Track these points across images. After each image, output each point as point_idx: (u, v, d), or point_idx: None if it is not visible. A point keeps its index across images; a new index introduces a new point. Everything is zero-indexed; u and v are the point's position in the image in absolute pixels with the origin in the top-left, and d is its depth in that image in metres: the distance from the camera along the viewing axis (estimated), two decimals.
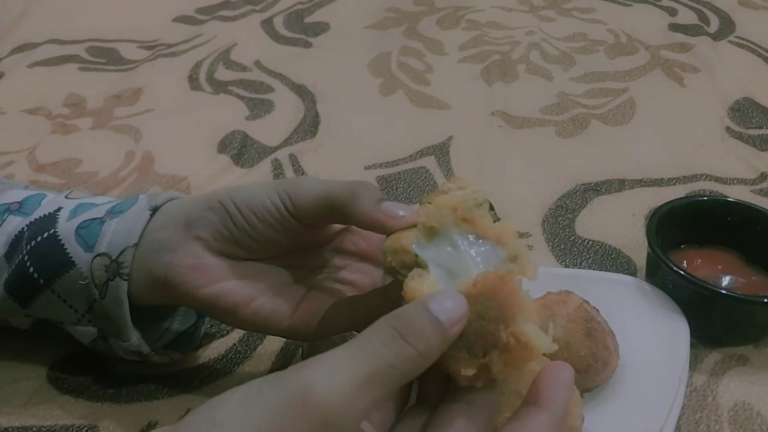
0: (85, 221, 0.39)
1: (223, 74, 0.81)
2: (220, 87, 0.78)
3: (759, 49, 0.83)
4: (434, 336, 0.26)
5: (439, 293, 0.27)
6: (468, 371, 0.27)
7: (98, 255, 0.37)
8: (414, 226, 0.31)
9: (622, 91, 0.75)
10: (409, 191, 0.61)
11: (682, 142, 0.67)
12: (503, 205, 0.57)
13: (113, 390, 0.43)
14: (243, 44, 0.88)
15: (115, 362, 0.44)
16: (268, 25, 0.94)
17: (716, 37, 0.86)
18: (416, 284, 0.28)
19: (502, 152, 0.66)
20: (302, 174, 0.63)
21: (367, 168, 0.64)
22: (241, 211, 0.35)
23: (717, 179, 0.61)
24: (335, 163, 0.65)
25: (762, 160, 0.64)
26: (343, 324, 0.37)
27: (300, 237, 0.36)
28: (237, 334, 0.47)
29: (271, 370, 0.44)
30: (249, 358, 0.45)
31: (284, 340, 0.46)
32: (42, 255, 0.38)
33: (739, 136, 0.67)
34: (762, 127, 0.68)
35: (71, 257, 0.38)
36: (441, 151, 0.66)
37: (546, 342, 0.27)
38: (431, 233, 0.31)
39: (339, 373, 0.24)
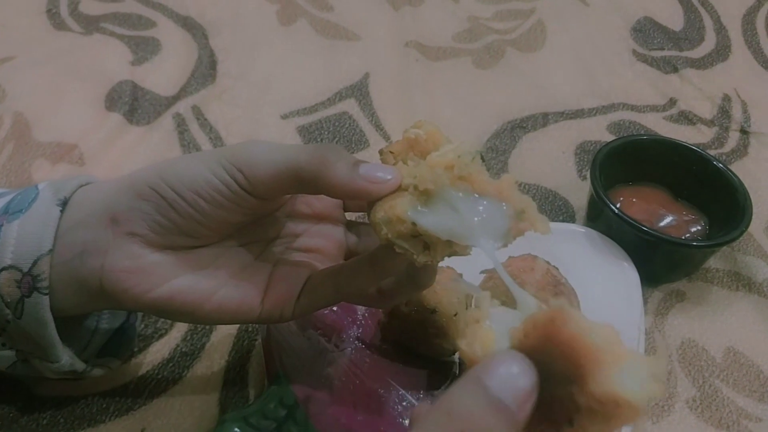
0: None
1: (89, 6, 0.69)
2: (90, 24, 0.67)
3: None
4: (503, 425, 0.21)
5: (493, 363, 0.22)
6: None
7: (3, 269, 0.30)
8: (398, 191, 0.28)
9: (530, 12, 0.74)
10: (336, 142, 0.57)
11: (595, 68, 0.67)
12: None
13: (47, 419, 0.37)
14: None
15: (41, 383, 0.38)
16: None
17: None
18: (470, 348, 0.23)
19: (424, 90, 0.62)
20: (210, 130, 0.57)
21: (284, 117, 0.59)
22: (183, 196, 0.29)
23: (632, 107, 0.62)
24: (247, 113, 0.59)
25: (668, 84, 0.66)
26: (328, 299, 0.33)
27: (255, 211, 0.31)
28: (177, 332, 0.42)
29: (227, 371, 0.41)
30: (198, 358, 0.41)
31: (233, 331, 0.43)
32: None
33: (645, 59, 0.68)
34: (663, 48, 0.70)
35: None
36: (360, 92, 0.61)
37: (643, 392, 0.20)
38: (426, 196, 0.27)
39: None
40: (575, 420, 0.21)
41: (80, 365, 0.34)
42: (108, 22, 0.67)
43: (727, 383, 0.42)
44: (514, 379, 0.21)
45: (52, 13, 0.68)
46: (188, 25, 0.68)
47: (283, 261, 0.34)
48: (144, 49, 0.64)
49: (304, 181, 0.29)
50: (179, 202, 0.29)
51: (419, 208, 0.27)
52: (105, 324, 0.36)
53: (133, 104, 0.58)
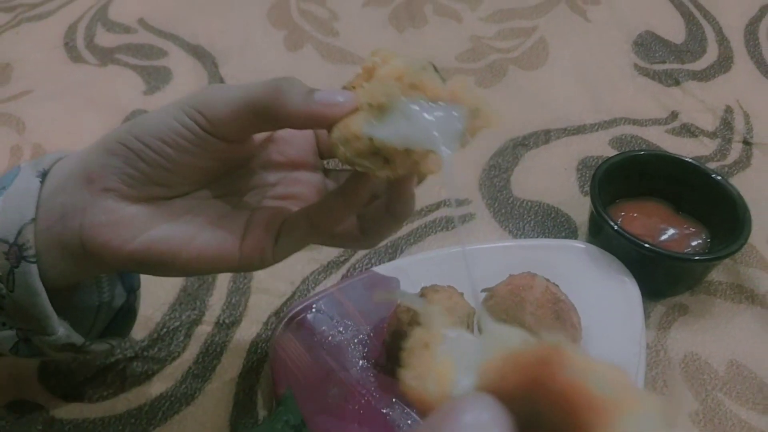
0: None
1: (104, 38, 0.72)
2: (105, 56, 0.69)
3: None
4: None
5: (456, 410, 0.17)
6: None
7: None
8: (356, 110, 0.28)
9: (532, 30, 0.75)
10: (342, 164, 0.58)
11: (597, 83, 0.68)
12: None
13: None
14: None
15: (53, 404, 0.40)
16: None
17: None
18: (419, 383, 0.20)
19: None
20: None
21: None
22: (149, 145, 0.30)
23: (634, 122, 0.63)
24: None
25: (670, 97, 0.66)
26: (303, 238, 0.33)
27: (222, 156, 0.31)
28: (190, 355, 0.44)
29: (236, 392, 0.42)
30: (209, 380, 0.43)
31: (243, 353, 0.44)
32: None
33: (647, 73, 0.69)
34: (665, 62, 0.71)
35: None
36: None
37: None
38: (380, 110, 0.27)
39: None
40: None
41: (78, 339, 0.34)
42: (122, 53, 0.69)
43: (730, 396, 0.42)
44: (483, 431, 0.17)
45: (69, 46, 0.70)
46: (198, 53, 0.70)
47: (259, 209, 0.34)
48: (156, 78, 0.67)
49: (261, 114, 0.29)
50: (146, 152, 0.30)
51: (374, 123, 0.27)
52: (106, 305, 0.37)
53: None
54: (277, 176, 0.35)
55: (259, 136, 0.34)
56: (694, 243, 0.49)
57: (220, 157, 0.31)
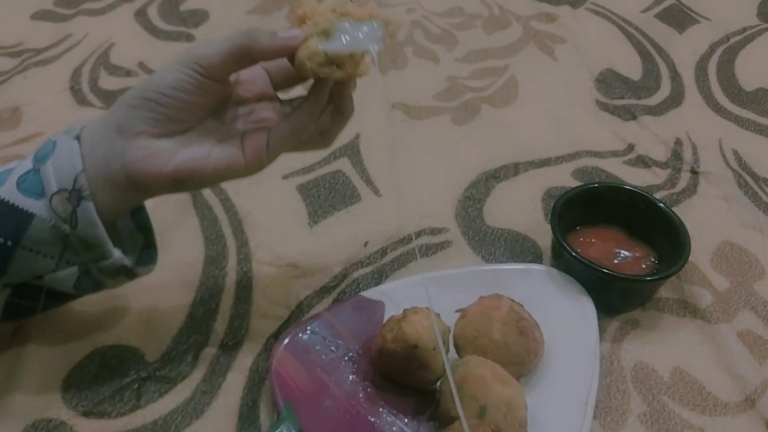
0: (19, 177, 0.41)
1: (107, 82, 0.78)
2: (109, 99, 0.75)
3: (612, 15, 0.92)
4: None
5: None
6: None
7: (54, 194, 0.40)
8: (307, 39, 0.41)
9: (504, 69, 0.82)
10: (332, 197, 0.64)
11: (562, 118, 0.74)
12: (420, 202, 0.63)
13: None
14: (121, 43, 0.84)
15: (76, 421, 0.45)
16: (142, 17, 0.90)
17: (574, 4, 0.94)
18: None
19: (409, 147, 0.70)
20: (221, 192, 0.64)
21: (285, 177, 0.66)
22: (164, 93, 0.40)
23: (595, 154, 0.70)
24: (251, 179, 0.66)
25: (627, 130, 0.73)
26: (288, 138, 0.44)
27: (215, 93, 0.42)
28: (198, 374, 0.49)
29: (241, 407, 0.47)
30: (216, 396, 0.48)
31: (246, 371, 0.49)
32: None
33: (607, 108, 0.76)
34: (623, 97, 0.78)
35: (27, 210, 0.40)
36: (352, 152, 0.69)
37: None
38: (326, 34, 0.41)
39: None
40: None
41: (128, 261, 0.43)
42: None
43: (674, 399, 0.48)
44: None
45: (75, 90, 0.76)
46: None
47: (246, 131, 0.45)
48: None
49: (243, 55, 0.41)
50: (163, 98, 0.40)
51: (325, 42, 0.41)
52: (134, 223, 0.47)
53: None
54: (249, 108, 0.47)
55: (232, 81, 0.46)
56: (644, 265, 0.55)
57: (214, 95, 0.42)
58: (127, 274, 0.44)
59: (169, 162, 0.41)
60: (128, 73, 0.79)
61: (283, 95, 0.49)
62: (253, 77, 0.47)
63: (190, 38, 0.86)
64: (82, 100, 0.75)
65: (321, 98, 0.44)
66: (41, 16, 0.90)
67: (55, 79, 0.78)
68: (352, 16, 0.41)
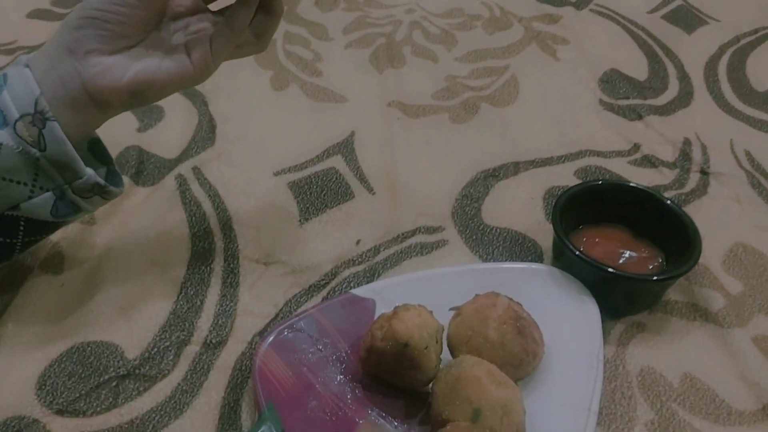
0: None
1: None
2: None
3: (617, 17, 0.90)
4: None
5: None
6: None
7: (17, 120, 0.41)
8: None
9: (504, 69, 0.80)
10: (324, 195, 0.62)
11: (564, 118, 0.72)
12: (415, 200, 0.60)
13: None
14: None
15: (49, 419, 0.42)
16: None
17: (578, 5, 0.92)
18: None
19: (405, 145, 0.68)
20: (209, 188, 0.62)
21: (276, 174, 0.64)
22: (106, 9, 0.41)
23: (599, 154, 0.67)
24: (243, 172, 0.64)
25: (632, 130, 0.71)
26: (228, 38, 0.45)
27: (153, 5, 0.43)
28: (179, 372, 0.47)
29: (222, 406, 0.45)
30: (197, 395, 0.45)
31: (228, 371, 0.47)
32: None
33: (611, 108, 0.74)
34: (628, 97, 0.75)
35: None
36: (346, 149, 0.67)
37: None
38: None
39: None
40: None
41: (101, 180, 0.44)
42: None
43: (684, 407, 0.45)
44: None
45: None
46: (189, 93, 0.74)
47: (189, 41, 0.46)
48: (149, 116, 0.71)
49: None
50: (107, 15, 0.41)
51: None
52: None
53: (139, 167, 0.64)
54: (185, 22, 0.48)
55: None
56: (650, 266, 0.53)
57: (153, 6, 0.44)
58: (101, 193, 0.45)
59: (124, 74, 0.42)
60: None
61: (213, 7, 0.50)
62: None
63: None
64: None
65: None
66: (37, 15, 0.89)
67: None
68: None
